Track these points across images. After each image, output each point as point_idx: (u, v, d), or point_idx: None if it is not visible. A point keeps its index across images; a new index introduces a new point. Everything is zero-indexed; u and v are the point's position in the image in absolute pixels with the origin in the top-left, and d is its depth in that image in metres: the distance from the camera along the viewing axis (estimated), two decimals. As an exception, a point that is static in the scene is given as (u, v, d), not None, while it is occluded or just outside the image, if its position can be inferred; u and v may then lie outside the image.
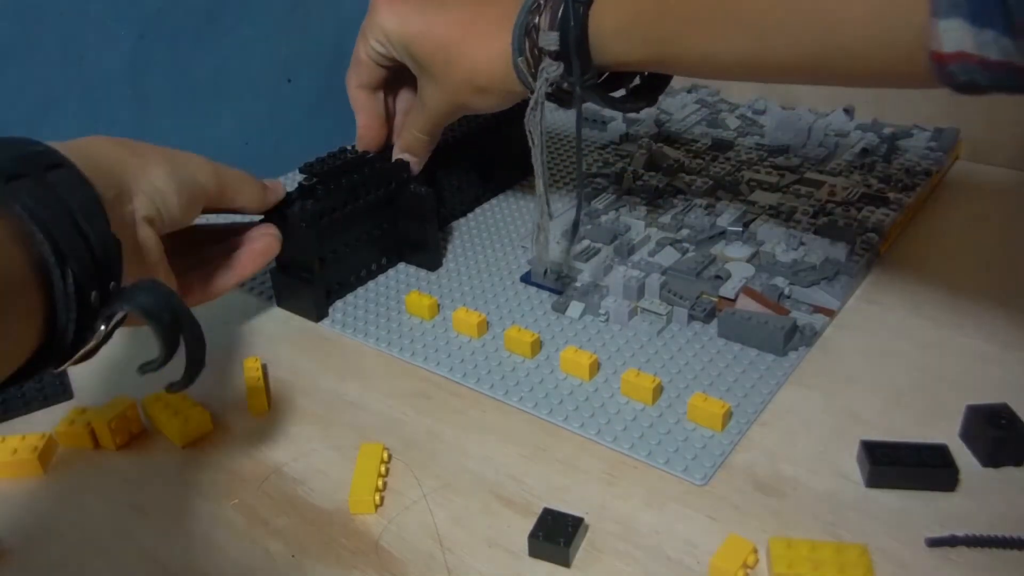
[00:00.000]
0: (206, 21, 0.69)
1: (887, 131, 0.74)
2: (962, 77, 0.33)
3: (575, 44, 0.47)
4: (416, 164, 0.60)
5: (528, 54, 0.49)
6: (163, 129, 0.68)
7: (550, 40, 0.47)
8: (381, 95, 0.60)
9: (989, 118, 0.72)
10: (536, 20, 0.48)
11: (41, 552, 0.41)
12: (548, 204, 0.53)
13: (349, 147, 0.62)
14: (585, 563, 0.39)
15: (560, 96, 0.51)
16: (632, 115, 0.82)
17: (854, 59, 0.38)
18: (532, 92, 0.50)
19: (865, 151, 0.71)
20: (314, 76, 0.79)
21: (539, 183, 0.52)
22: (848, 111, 0.78)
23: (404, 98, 0.61)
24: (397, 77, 0.60)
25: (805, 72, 0.41)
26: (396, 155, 0.60)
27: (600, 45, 0.47)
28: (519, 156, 0.73)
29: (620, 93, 0.53)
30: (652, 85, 0.53)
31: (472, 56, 0.51)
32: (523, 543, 0.39)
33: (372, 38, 0.55)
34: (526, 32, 0.49)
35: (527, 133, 0.51)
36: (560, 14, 0.47)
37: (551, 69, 0.48)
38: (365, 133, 0.60)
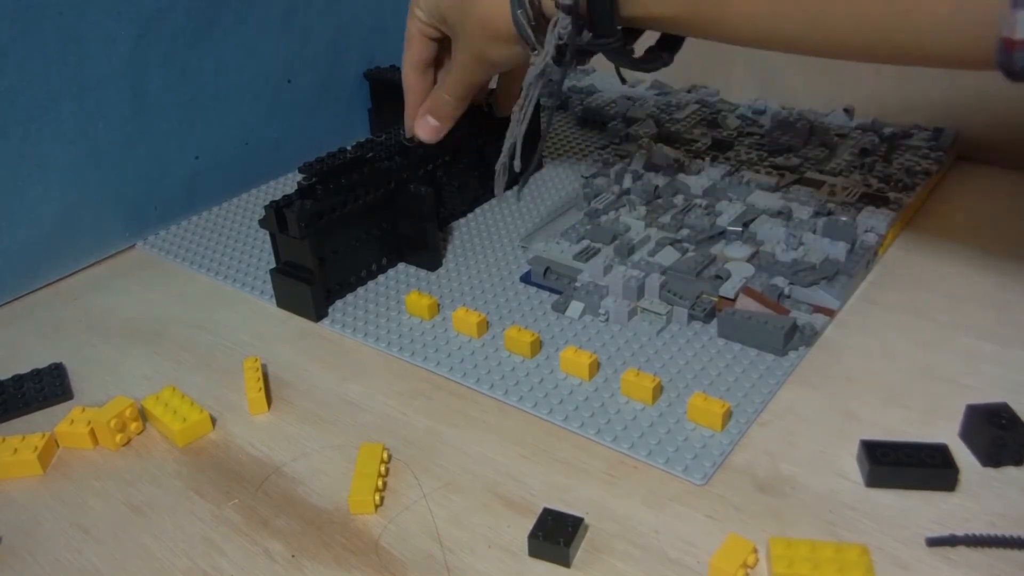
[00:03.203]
0: (206, 21, 0.69)
1: (887, 131, 0.74)
2: (1021, 63, 0.34)
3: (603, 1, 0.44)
4: (435, 132, 0.57)
5: (528, 6, 0.46)
6: (163, 129, 0.68)
7: None
8: (431, 75, 0.58)
9: (989, 118, 0.72)
10: None
11: (41, 551, 0.41)
12: (517, 152, 0.53)
13: (349, 147, 0.62)
14: (585, 563, 0.39)
15: (563, 53, 0.47)
16: (632, 114, 0.82)
17: (922, 40, 0.38)
18: (533, 48, 0.47)
19: (865, 151, 0.71)
20: (314, 76, 0.79)
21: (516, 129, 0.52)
22: (848, 111, 0.78)
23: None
24: (442, 58, 0.58)
25: (860, 52, 0.40)
26: (420, 116, 0.58)
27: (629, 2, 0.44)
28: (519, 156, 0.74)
29: (638, 53, 0.49)
30: (669, 44, 0.50)
31: (486, 3, 0.49)
32: (523, 543, 0.39)
33: (414, 6, 0.55)
34: None
35: (523, 89, 0.48)
36: None
37: (562, 23, 0.44)
38: (411, 112, 0.59)
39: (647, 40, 0.51)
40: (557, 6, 0.45)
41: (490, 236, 0.66)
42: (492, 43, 0.50)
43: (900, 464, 0.41)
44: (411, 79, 0.58)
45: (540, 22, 0.47)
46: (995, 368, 0.49)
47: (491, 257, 0.63)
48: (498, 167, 0.55)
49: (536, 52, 0.48)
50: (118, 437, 0.47)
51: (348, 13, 0.81)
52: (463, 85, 0.55)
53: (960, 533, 0.38)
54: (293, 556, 0.40)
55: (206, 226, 0.72)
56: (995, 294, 0.55)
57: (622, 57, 0.48)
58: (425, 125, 0.57)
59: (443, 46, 0.58)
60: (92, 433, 0.47)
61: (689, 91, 0.87)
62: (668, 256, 0.57)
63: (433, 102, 0.57)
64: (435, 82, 0.59)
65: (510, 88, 0.59)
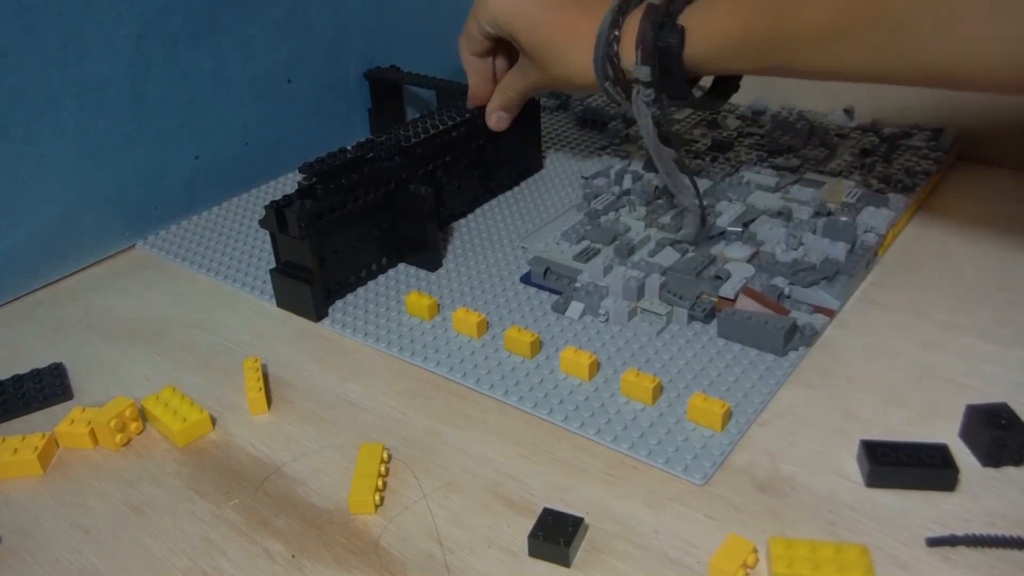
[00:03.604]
0: (206, 21, 0.69)
1: (887, 131, 0.74)
2: None
3: (675, 72, 0.51)
4: (506, 122, 0.68)
5: (613, 78, 0.54)
6: (163, 129, 0.68)
7: (643, 73, 0.52)
8: (489, 60, 0.67)
9: (989, 118, 0.72)
10: (616, 48, 0.53)
11: (41, 551, 0.41)
12: (698, 191, 0.58)
13: (349, 147, 0.62)
14: (585, 563, 0.39)
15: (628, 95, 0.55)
16: (632, 115, 0.82)
17: (991, 71, 0.40)
18: (620, 104, 0.56)
19: (865, 151, 0.71)
20: (314, 76, 0.79)
21: (664, 176, 0.58)
22: (848, 111, 0.78)
23: (502, 60, 0.68)
24: (499, 45, 0.66)
25: (931, 82, 0.43)
26: (492, 110, 0.67)
27: (701, 61, 0.51)
28: (518, 158, 0.74)
29: (698, 92, 0.57)
30: (727, 82, 0.57)
31: (572, 62, 0.57)
32: (523, 543, 0.39)
33: (483, 21, 0.62)
34: (608, 60, 0.54)
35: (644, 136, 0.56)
36: (653, 51, 0.51)
37: (646, 95, 0.53)
38: (476, 92, 0.68)
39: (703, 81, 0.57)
40: (637, 81, 0.53)
41: (490, 236, 0.66)
42: (572, 88, 0.61)
43: (900, 464, 0.41)
44: (474, 64, 0.67)
45: (621, 82, 0.54)
46: (995, 368, 0.49)
47: (491, 257, 0.63)
48: (691, 208, 0.59)
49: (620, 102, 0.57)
50: (118, 437, 0.47)
51: (348, 13, 0.81)
52: (531, 92, 0.66)
53: (960, 533, 0.38)
54: (293, 556, 0.40)
55: (206, 226, 0.72)
56: (995, 294, 0.55)
57: (688, 104, 0.56)
58: (498, 119, 0.68)
59: (498, 43, 0.65)
60: (92, 433, 0.47)
61: (689, 91, 0.87)
62: (668, 256, 0.57)
63: (504, 100, 0.66)
64: (493, 64, 0.67)
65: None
